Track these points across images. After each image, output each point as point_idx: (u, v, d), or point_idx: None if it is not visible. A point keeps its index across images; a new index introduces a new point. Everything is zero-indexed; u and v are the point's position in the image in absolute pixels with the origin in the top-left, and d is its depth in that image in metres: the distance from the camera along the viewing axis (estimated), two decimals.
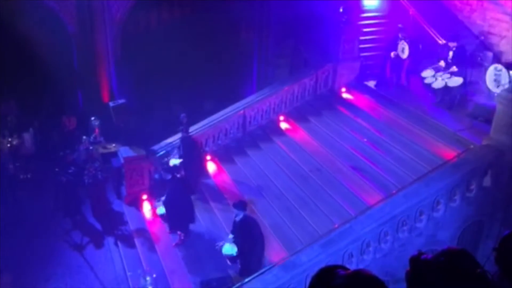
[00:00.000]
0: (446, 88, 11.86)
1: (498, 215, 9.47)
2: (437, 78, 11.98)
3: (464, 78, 11.80)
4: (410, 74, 13.38)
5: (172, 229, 11.34)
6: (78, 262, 11.54)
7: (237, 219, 9.28)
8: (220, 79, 16.87)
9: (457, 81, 11.75)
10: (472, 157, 9.59)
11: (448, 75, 11.87)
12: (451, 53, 12.03)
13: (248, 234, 9.24)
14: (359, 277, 2.12)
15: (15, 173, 14.02)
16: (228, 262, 9.62)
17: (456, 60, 11.94)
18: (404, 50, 13.02)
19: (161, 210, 11.40)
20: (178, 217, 11.07)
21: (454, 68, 11.86)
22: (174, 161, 12.29)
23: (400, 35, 13.20)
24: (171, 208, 11.03)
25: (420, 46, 13.15)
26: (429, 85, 12.10)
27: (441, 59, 12.28)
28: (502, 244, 2.48)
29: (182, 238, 11.20)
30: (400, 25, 13.37)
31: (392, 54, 13.25)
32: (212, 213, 11.95)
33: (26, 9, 14.72)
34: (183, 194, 10.94)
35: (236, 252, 9.39)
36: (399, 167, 11.01)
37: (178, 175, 10.91)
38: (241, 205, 9.32)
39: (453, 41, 12.08)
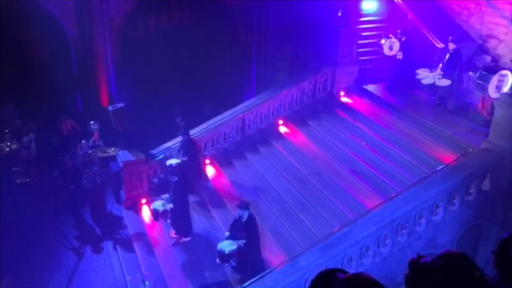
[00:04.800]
0: (433, 85, 12.10)
1: (497, 219, 9.47)
2: (428, 76, 12.26)
3: (455, 81, 11.89)
4: (407, 76, 13.39)
5: (175, 228, 11.40)
6: (77, 266, 11.52)
7: (243, 219, 9.41)
8: (219, 82, 16.89)
9: (445, 82, 11.97)
10: (471, 160, 9.60)
11: (440, 76, 12.08)
12: (447, 56, 12.08)
13: (254, 231, 9.44)
14: (359, 281, 2.12)
15: (13, 177, 13.99)
16: (218, 260, 9.58)
17: (449, 63, 11.98)
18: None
19: (156, 205, 11.34)
20: (180, 220, 11.11)
21: (446, 81, 12.03)
22: (171, 161, 12.32)
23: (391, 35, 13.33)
24: (175, 210, 11.04)
25: (403, 38, 13.19)
26: (419, 80, 12.35)
27: (438, 61, 12.34)
28: (501, 247, 2.48)
29: (182, 239, 11.22)
30: (399, 31, 13.37)
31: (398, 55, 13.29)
32: (211, 217, 11.94)
33: (26, 14, 14.75)
34: (182, 197, 10.96)
35: (229, 251, 9.41)
36: (398, 171, 11.02)
37: (176, 178, 10.90)
38: (244, 205, 9.52)
39: (453, 43, 12.08)
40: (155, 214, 11.31)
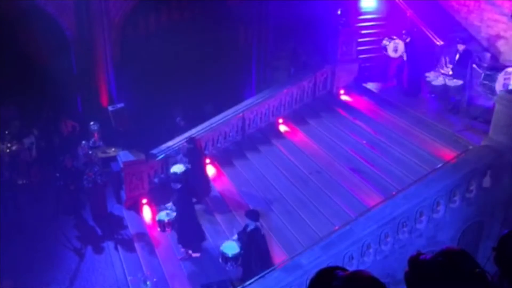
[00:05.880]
0: (444, 85, 12.00)
1: (498, 216, 9.46)
2: (439, 77, 12.21)
3: (467, 82, 11.84)
4: (411, 76, 13.35)
5: (180, 242, 10.93)
6: (78, 267, 11.52)
7: (248, 229, 9.08)
8: (219, 82, 16.87)
9: (456, 82, 11.88)
10: (471, 157, 9.59)
11: (451, 78, 12.03)
12: (457, 56, 12.04)
13: (254, 247, 9.10)
14: (359, 278, 2.12)
15: (14, 178, 13.98)
16: (220, 260, 9.42)
17: (460, 63, 11.94)
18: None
19: (160, 216, 11.00)
20: (186, 232, 10.70)
21: (457, 81, 11.94)
22: (175, 169, 12.03)
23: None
24: (179, 220, 10.64)
25: (408, 39, 13.06)
26: (429, 82, 12.26)
27: (447, 62, 12.29)
28: (501, 243, 2.48)
29: (190, 254, 10.85)
30: (404, 31, 13.27)
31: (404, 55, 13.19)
32: (212, 217, 11.92)
33: (25, 15, 14.73)
34: (188, 206, 10.66)
35: (232, 255, 9.25)
36: (398, 168, 11.01)
37: (180, 186, 10.47)
38: (253, 215, 9.09)
39: (461, 44, 12.00)
40: (161, 225, 10.84)
